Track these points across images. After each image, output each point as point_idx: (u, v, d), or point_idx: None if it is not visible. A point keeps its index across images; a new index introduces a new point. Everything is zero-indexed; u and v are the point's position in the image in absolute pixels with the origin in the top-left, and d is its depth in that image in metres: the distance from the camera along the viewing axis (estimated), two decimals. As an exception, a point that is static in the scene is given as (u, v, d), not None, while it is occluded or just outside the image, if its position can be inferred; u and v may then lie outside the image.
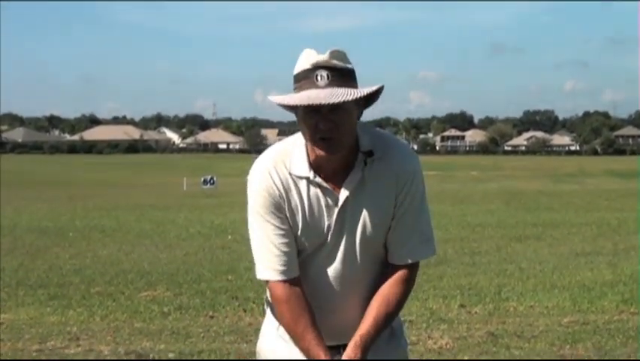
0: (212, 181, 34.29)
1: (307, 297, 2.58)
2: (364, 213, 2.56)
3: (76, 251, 13.98)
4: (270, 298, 2.70)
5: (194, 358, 6.49)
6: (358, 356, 2.52)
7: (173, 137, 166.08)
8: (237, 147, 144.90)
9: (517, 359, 6.38)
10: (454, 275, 10.84)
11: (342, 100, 2.36)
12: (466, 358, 6.42)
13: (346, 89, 2.40)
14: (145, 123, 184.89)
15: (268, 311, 2.80)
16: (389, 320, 2.60)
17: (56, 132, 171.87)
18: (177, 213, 22.72)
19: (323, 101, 2.36)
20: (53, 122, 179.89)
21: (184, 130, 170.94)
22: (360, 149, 2.54)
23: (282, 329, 2.68)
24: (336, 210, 2.54)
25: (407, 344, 2.82)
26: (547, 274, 11.02)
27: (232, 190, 33.95)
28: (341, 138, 2.46)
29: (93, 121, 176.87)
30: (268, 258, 2.58)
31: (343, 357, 2.54)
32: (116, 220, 20.13)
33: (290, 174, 2.55)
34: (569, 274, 10.91)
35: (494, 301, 8.96)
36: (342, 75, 2.44)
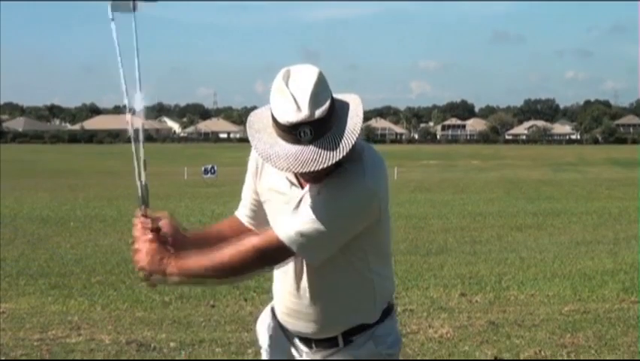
0: (212, 170, 34.24)
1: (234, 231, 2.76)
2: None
3: (77, 241, 13.99)
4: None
5: (195, 347, 6.50)
6: (171, 232, 2.70)
7: (174, 126, 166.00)
8: (238, 136, 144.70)
9: (518, 347, 6.39)
10: (455, 264, 10.85)
11: (329, 164, 2.32)
12: (466, 347, 6.43)
13: (332, 145, 2.32)
14: (146, 113, 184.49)
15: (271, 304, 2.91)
16: (215, 264, 2.50)
17: (57, 122, 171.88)
18: (178, 202, 22.71)
19: (311, 169, 2.32)
20: (54, 111, 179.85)
21: (185, 119, 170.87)
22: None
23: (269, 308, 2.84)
24: (294, 201, 2.56)
25: (392, 357, 2.74)
26: (547, 262, 11.03)
27: (233, 179, 33.92)
28: (325, 175, 2.46)
29: (94, 110, 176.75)
30: (242, 200, 2.85)
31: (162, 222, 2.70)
32: (117, 210, 20.12)
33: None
34: (570, 263, 10.92)
35: (495, 290, 8.97)
36: (326, 122, 2.34)
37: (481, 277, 9.79)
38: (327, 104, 2.34)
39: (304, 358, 2.72)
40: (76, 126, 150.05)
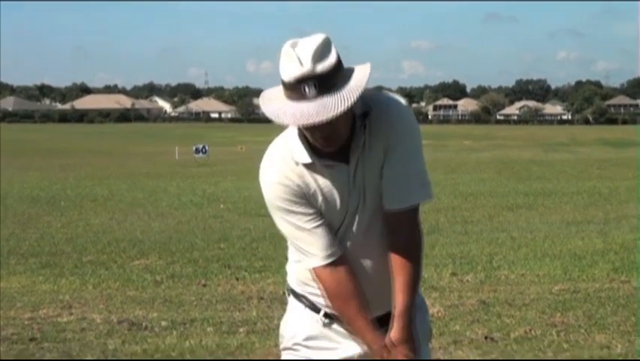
0: (204, 150, 34.17)
1: (354, 276, 2.58)
2: (372, 174, 2.56)
3: (68, 220, 13.96)
4: (318, 285, 2.66)
5: (187, 326, 6.51)
6: (404, 325, 2.56)
7: (165, 106, 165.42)
8: (229, 116, 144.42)
9: (508, 326, 6.42)
10: (446, 244, 10.87)
11: (333, 115, 2.33)
12: (457, 326, 6.45)
13: (336, 95, 2.35)
14: (136, 92, 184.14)
15: (290, 298, 2.79)
16: (416, 279, 2.65)
17: (47, 101, 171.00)
18: (169, 181, 22.68)
19: (315, 120, 2.33)
20: (44, 91, 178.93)
21: (176, 99, 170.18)
22: (356, 113, 2.51)
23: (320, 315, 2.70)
24: (350, 181, 2.55)
25: (429, 321, 2.83)
26: (538, 242, 11.06)
27: (224, 159, 33.91)
28: (339, 134, 2.46)
29: (84, 90, 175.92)
30: (307, 246, 2.58)
31: (391, 334, 2.56)
32: (108, 189, 20.09)
33: (297, 163, 2.55)
34: (560, 243, 10.95)
35: (486, 269, 9.00)
36: (330, 78, 2.36)
37: (472, 257, 9.82)
38: (331, 61, 2.37)
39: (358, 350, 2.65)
40: (67, 106, 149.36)
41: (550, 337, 6.11)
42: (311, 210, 2.56)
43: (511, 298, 7.42)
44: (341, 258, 2.57)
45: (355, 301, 2.57)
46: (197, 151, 34.20)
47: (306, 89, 2.34)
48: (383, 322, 2.62)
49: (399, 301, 2.57)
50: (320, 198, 2.56)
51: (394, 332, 2.56)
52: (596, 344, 5.93)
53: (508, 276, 8.65)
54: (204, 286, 8.23)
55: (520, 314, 6.80)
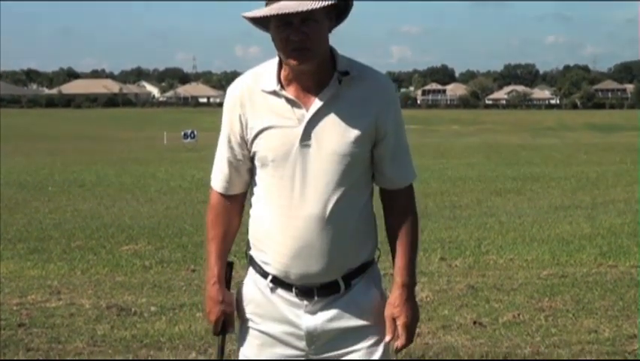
0: (192, 135, 34.11)
1: (236, 215, 2.75)
2: (336, 127, 2.56)
3: (55, 205, 13.91)
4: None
5: (176, 311, 6.51)
6: (405, 295, 2.68)
7: (153, 90, 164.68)
8: (218, 100, 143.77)
9: (497, 311, 6.44)
10: (435, 229, 10.89)
11: (311, 7, 2.40)
12: (446, 310, 6.47)
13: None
14: (124, 77, 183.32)
15: (250, 268, 2.78)
16: (414, 247, 2.77)
17: (34, 86, 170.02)
18: (158, 167, 22.63)
19: (293, 10, 2.39)
20: (31, 75, 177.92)
21: (164, 84, 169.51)
22: (337, 68, 2.57)
23: (256, 277, 2.72)
24: (305, 121, 2.55)
25: (385, 297, 2.75)
26: (526, 227, 11.10)
27: (213, 144, 33.62)
28: (313, 47, 2.49)
29: (71, 75, 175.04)
30: (218, 168, 2.74)
31: (390, 300, 2.67)
32: (96, 174, 20.02)
33: (261, 90, 2.60)
34: (548, 228, 11.00)
35: (474, 254, 9.02)
36: None
37: (460, 242, 9.84)
38: None
39: (302, 319, 2.64)
40: (54, 90, 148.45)
41: (538, 321, 6.14)
42: (240, 150, 2.67)
43: (500, 283, 7.44)
44: (236, 197, 2.74)
45: (223, 227, 2.74)
46: (185, 136, 34.15)
47: None
48: (329, 289, 2.63)
49: (398, 264, 2.71)
50: (265, 127, 2.59)
51: (391, 298, 2.68)
52: (584, 328, 5.96)
53: (497, 261, 8.68)
54: (193, 271, 8.22)
55: (508, 299, 6.83)
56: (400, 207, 2.71)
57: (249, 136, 2.62)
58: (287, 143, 2.56)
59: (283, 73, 2.58)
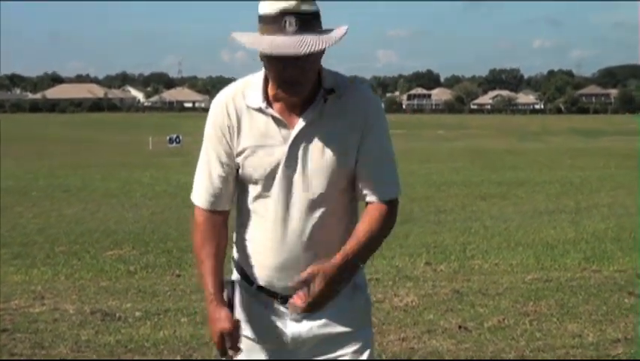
0: (178, 140, 34.06)
1: (224, 230, 2.66)
2: (320, 146, 2.54)
3: (39, 210, 13.84)
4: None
5: (161, 316, 6.48)
6: (322, 271, 2.46)
7: (138, 95, 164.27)
8: (203, 105, 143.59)
9: (482, 316, 6.46)
10: (420, 233, 10.91)
11: (311, 50, 2.34)
12: (431, 315, 6.48)
13: (314, 36, 2.36)
14: (109, 81, 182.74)
15: (234, 271, 2.78)
16: (369, 246, 2.56)
17: (18, 91, 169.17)
18: (143, 172, 22.56)
19: (293, 52, 2.33)
20: (15, 80, 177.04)
21: (149, 88, 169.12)
22: (323, 86, 2.54)
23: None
24: (289, 141, 2.53)
25: (370, 303, 2.77)
26: (511, 232, 11.14)
27: (198, 149, 33.57)
28: (306, 82, 2.47)
29: (56, 79, 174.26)
30: (202, 184, 2.67)
31: (309, 268, 2.47)
32: (80, 179, 19.94)
33: (246, 105, 2.57)
34: (533, 232, 11.04)
35: (459, 259, 9.04)
36: (310, 19, 2.39)
37: (445, 247, 9.86)
38: (315, 7, 2.42)
39: (287, 327, 2.63)
40: (38, 95, 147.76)
41: (523, 326, 6.16)
42: (227, 161, 2.61)
43: (485, 288, 7.46)
44: (222, 212, 2.66)
45: (214, 244, 2.64)
46: (170, 141, 34.09)
47: (287, 23, 2.36)
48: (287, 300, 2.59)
49: (343, 250, 2.51)
50: (249, 145, 2.56)
51: (313, 268, 2.48)
52: (568, 332, 5.98)
53: (482, 265, 8.70)
54: (178, 276, 8.20)
55: (493, 304, 6.85)
56: (376, 220, 2.59)
57: (235, 152, 2.60)
58: (272, 162, 2.54)
59: (270, 90, 2.54)
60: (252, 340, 2.68)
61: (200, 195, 2.67)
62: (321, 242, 2.57)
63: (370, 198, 2.60)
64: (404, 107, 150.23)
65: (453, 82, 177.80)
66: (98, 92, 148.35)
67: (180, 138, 34.10)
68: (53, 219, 12.67)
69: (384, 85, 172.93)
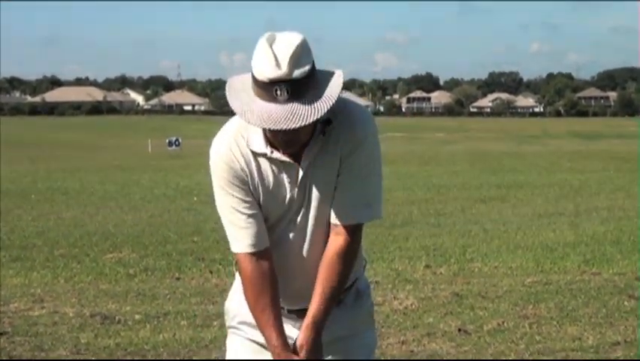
0: (177, 143, 34.08)
1: (274, 272, 2.56)
2: (323, 181, 2.53)
3: (38, 213, 13.84)
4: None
5: (161, 319, 6.48)
6: (312, 336, 2.53)
7: (138, 98, 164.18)
8: (203, 108, 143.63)
9: (482, 318, 6.45)
10: (420, 236, 10.91)
11: (302, 124, 2.30)
12: (431, 318, 6.48)
13: (306, 106, 2.31)
14: (108, 84, 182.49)
15: (237, 274, 2.78)
16: (335, 293, 2.55)
17: (17, 94, 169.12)
18: (142, 174, 22.56)
19: (283, 127, 2.30)
20: (14, 83, 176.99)
21: (148, 91, 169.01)
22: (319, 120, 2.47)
23: None
24: (298, 181, 2.52)
25: (373, 306, 2.82)
26: (510, 234, 11.14)
27: (197, 152, 33.70)
28: (302, 140, 2.45)
29: (55, 82, 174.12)
30: (237, 231, 2.56)
31: (298, 341, 2.54)
32: (79, 182, 19.94)
33: (249, 149, 2.52)
34: (532, 235, 11.04)
35: (459, 261, 9.04)
36: (304, 84, 2.33)
37: (445, 249, 9.86)
38: (308, 67, 2.33)
39: (292, 332, 2.63)
40: (37, 98, 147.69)
41: (522, 329, 6.16)
42: (248, 198, 2.53)
43: (484, 291, 7.46)
44: (266, 251, 2.56)
45: (268, 294, 2.54)
46: (170, 144, 34.11)
47: (278, 92, 2.30)
48: (297, 312, 2.64)
49: (311, 310, 2.53)
50: (261, 190, 2.54)
51: (300, 340, 2.54)
52: (568, 336, 5.98)
53: (481, 268, 8.69)
54: (178, 279, 8.19)
55: (493, 306, 6.85)
56: (340, 247, 2.55)
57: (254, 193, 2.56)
58: (283, 205, 2.55)
59: (270, 136, 2.48)
60: (260, 345, 2.68)
61: (240, 241, 2.56)
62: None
63: (333, 221, 2.57)
64: (404, 110, 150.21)
65: (452, 85, 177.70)
66: (98, 95, 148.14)
67: (180, 140, 34.12)
68: (52, 222, 12.67)
69: (383, 88, 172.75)
